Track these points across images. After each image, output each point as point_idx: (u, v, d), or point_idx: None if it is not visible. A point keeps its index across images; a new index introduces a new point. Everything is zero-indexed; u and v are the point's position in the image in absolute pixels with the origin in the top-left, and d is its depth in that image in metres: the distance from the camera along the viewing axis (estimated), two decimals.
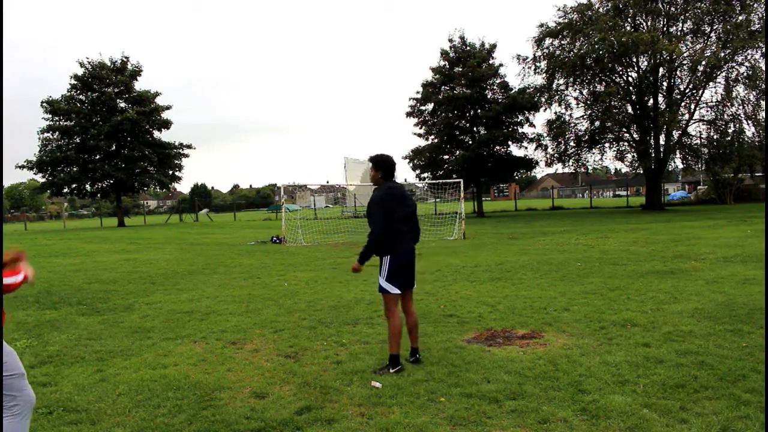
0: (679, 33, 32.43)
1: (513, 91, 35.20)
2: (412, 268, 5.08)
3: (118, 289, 10.11)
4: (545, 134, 36.55)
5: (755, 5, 29.70)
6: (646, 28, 32.13)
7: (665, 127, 31.79)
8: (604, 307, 6.99)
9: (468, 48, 35.52)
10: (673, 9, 32.26)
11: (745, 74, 32.08)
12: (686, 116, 33.77)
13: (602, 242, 15.30)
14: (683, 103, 33.54)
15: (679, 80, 33.76)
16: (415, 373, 4.74)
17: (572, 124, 36.45)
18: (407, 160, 37.67)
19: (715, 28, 31.97)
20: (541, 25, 35.06)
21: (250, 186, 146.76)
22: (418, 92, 36.75)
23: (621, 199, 55.60)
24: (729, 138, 33.47)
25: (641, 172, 36.38)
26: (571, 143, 36.64)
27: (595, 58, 31.93)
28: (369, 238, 4.93)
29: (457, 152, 35.66)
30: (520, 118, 36.06)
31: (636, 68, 34.04)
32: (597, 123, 35.16)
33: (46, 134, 40.20)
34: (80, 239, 25.87)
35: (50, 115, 40.02)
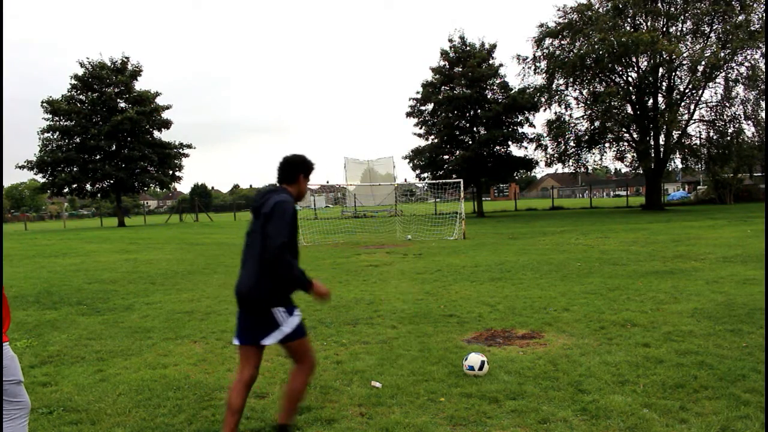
0: (678, 33, 32.43)
1: (513, 91, 35.20)
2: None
3: (118, 289, 10.11)
4: (545, 134, 36.59)
5: (755, 5, 29.72)
6: (646, 28, 32.12)
7: (665, 127, 31.82)
8: (604, 307, 6.99)
9: (468, 48, 35.51)
10: (673, 9, 32.27)
11: (745, 74, 32.10)
12: (686, 116, 33.80)
13: (602, 242, 15.30)
14: (683, 103, 33.56)
15: (679, 80, 33.79)
16: (415, 373, 4.74)
17: (572, 124, 36.47)
18: (407, 160, 37.75)
19: (714, 28, 31.99)
20: (541, 25, 35.08)
21: (250, 186, 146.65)
22: (418, 92, 36.79)
23: (621, 199, 55.59)
24: (729, 138, 33.48)
25: (641, 172, 36.38)
26: (571, 143, 36.65)
27: (595, 59, 31.93)
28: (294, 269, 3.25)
29: (457, 152, 35.67)
30: (520, 118, 36.07)
31: (636, 68, 34.07)
32: (597, 123, 35.16)
33: (46, 134, 40.26)
34: (80, 239, 25.87)
35: (50, 115, 40.05)
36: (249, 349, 3.40)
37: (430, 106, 36.72)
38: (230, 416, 3.32)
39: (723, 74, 32.57)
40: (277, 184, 3.49)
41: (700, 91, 33.39)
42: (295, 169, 3.45)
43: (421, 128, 37.25)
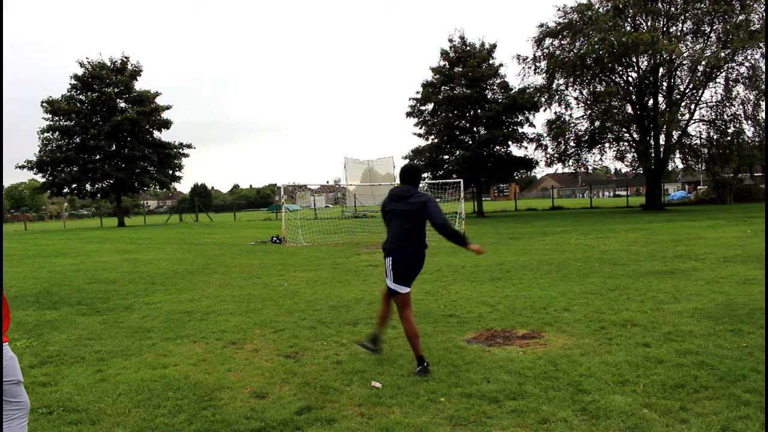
0: (679, 33, 32.43)
1: (513, 91, 35.21)
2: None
3: (118, 289, 10.11)
4: (545, 134, 36.60)
5: (755, 5, 29.71)
6: (646, 28, 32.12)
7: (665, 127, 31.79)
8: (604, 307, 6.99)
9: (468, 48, 35.52)
10: (673, 9, 32.26)
11: (745, 74, 32.10)
12: (686, 116, 33.80)
13: (602, 242, 15.30)
14: (683, 103, 33.55)
15: (679, 80, 33.78)
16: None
17: (572, 124, 36.47)
18: (407, 160, 37.73)
19: (715, 28, 31.98)
20: (541, 25, 35.08)
21: (250, 186, 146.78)
22: (418, 92, 36.80)
23: (621, 199, 55.58)
24: (729, 138, 33.48)
25: (641, 172, 36.38)
26: (571, 143, 36.65)
27: (595, 58, 31.93)
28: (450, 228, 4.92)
29: (457, 152, 35.70)
30: (520, 118, 36.09)
31: (636, 68, 34.06)
32: (597, 123, 35.15)
33: (46, 134, 40.17)
34: (80, 239, 25.86)
35: (50, 115, 39.98)
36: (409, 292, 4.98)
37: (430, 106, 36.74)
38: (415, 339, 4.83)
39: (723, 74, 32.58)
40: (408, 185, 5.02)
41: (701, 91, 33.39)
42: (418, 175, 5.11)
43: (421, 128, 37.28)
